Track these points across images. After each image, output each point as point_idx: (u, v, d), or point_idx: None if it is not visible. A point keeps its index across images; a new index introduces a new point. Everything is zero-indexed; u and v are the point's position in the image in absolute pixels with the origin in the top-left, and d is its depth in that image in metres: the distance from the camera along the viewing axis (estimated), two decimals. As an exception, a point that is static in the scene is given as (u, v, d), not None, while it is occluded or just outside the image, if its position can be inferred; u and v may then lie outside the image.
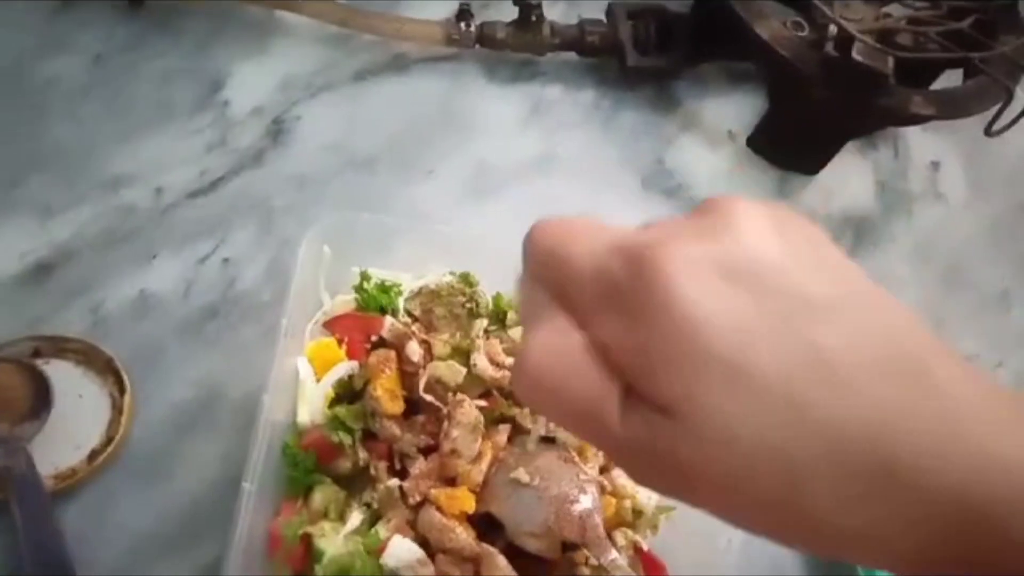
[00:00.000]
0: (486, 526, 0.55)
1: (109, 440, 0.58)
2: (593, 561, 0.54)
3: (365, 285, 0.60)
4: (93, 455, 0.57)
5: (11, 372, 0.58)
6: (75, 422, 0.59)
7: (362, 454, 0.55)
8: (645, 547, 0.55)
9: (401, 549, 0.49)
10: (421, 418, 0.57)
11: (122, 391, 0.60)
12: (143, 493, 0.58)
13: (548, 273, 0.25)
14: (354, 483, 0.54)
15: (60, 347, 0.61)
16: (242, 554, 0.45)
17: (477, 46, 0.82)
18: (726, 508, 0.22)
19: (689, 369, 0.20)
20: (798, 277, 0.21)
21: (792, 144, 0.86)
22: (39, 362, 0.59)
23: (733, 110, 0.90)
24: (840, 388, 0.20)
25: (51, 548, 0.52)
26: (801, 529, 0.21)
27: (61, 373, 0.60)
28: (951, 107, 0.77)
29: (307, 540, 0.50)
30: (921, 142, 0.96)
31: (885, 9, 0.79)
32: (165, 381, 0.63)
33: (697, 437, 0.20)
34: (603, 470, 0.58)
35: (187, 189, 0.72)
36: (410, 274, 0.63)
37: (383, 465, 0.55)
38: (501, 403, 0.58)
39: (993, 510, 0.19)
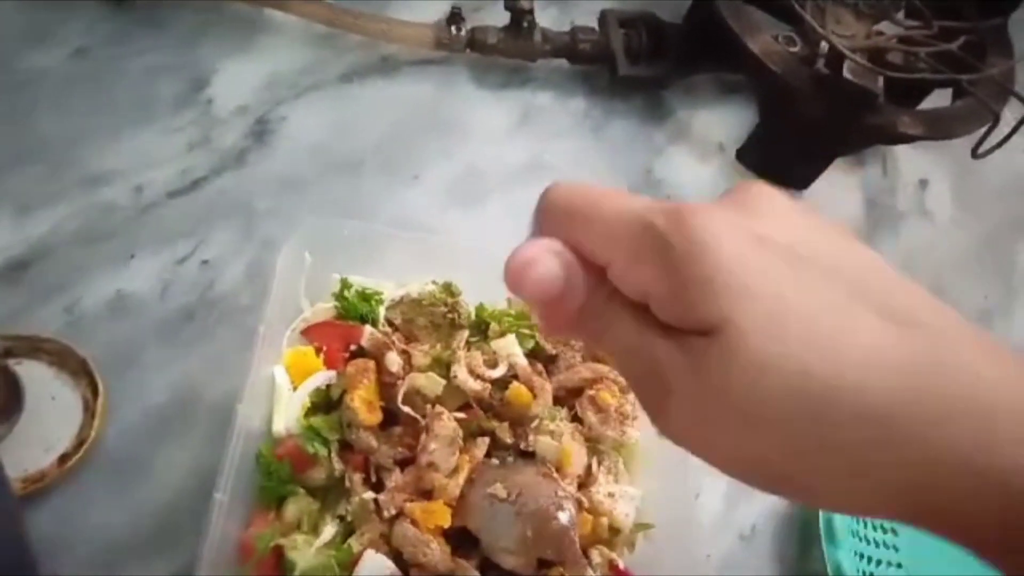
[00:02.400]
0: (462, 541, 0.54)
1: (80, 443, 0.57)
2: (567, 577, 0.53)
3: (346, 293, 0.59)
4: (64, 458, 0.56)
5: (-20, 372, 0.57)
6: (46, 424, 0.58)
7: (338, 465, 0.54)
8: (621, 565, 0.55)
9: (374, 564, 0.49)
10: (399, 430, 0.57)
11: (95, 393, 0.59)
12: (115, 498, 0.57)
13: (568, 230, 0.25)
14: (329, 494, 0.54)
15: (34, 347, 0.60)
16: (212, 565, 0.45)
17: (468, 51, 0.82)
18: (732, 445, 0.23)
19: (732, 296, 0.21)
20: (827, 251, 0.23)
21: (781, 158, 0.86)
22: (11, 362, 0.58)
23: (723, 122, 0.90)
24: (868, 357, 0.21)
25: (16, 553, 0.51)
26: (802, 474, 0.22)
27: (34, 374, 0.59)
28: (939, 128, 0.77)
29: (279, 552, 0.49)
30: (910, 160, 0.96)
31: (877, 27, 0.79)
32: (140, 384, 0.62)
33: (730, 357, 0.21)
34: (581, 486, 0.57)
35: (168, 188, 0.71)
36: (392, 282, 0.62)
37: (359, 477, 0.54)
38: (480, 416, 0.58)
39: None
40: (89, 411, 0.59)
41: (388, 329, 0.59)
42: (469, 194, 0.77)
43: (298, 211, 0.71)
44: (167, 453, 0.60)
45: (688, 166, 0.86)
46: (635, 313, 0.25)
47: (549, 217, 0.26)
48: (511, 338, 0.61)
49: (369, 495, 0.52)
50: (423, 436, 0.55)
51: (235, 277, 0.68)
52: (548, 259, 0.25)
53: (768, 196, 0.24)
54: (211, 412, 0.61)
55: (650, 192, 0.83)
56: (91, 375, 0.59)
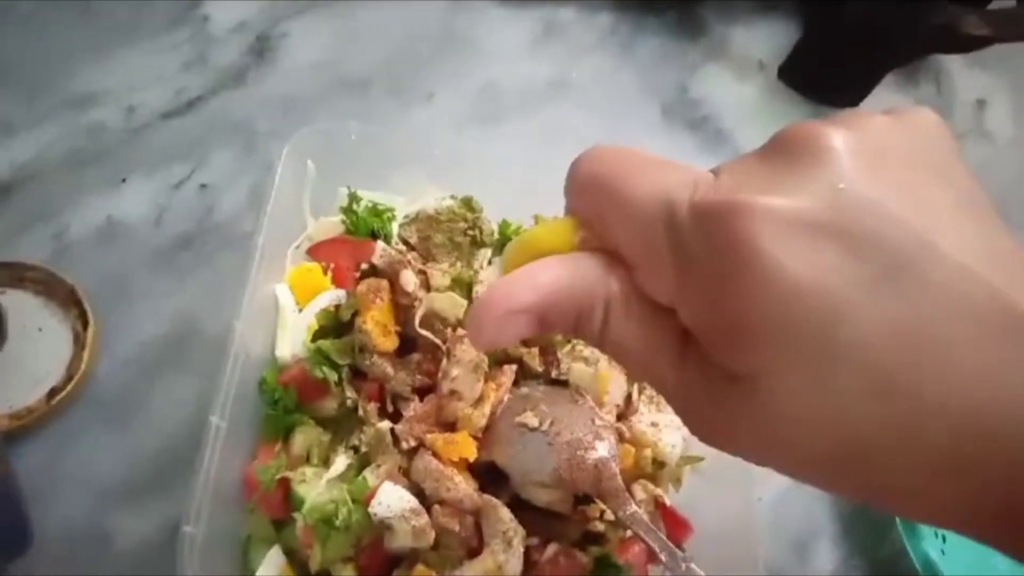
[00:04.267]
0: (489, 477, 0.49)
1: (70, 377, 0.52)
2: (609, 516, 0.48)
3: (354, 207, 0.53)
4: (52, 393, 0.52)
5: (-41, 300, 0.52)
6: (33, 357, 0.53)
7: (349, 393, 0.48)
8: (667, 502, 0.49)
9: (392, 497, 0.43)
10: (416, 356, 0.51)
11: (85, 325, 0.54)
12: (107, 436, 0.52)
13: (596, 209, 0.21)
14: (340, 425, 0.48)
15: (18, 276, 0.55)
16: (210, 498, 0.39)
17: (484, -40, 0.75)
18: (771, 462, 0.20)
19: (771, 343, 0.18)
20: (892, 232, 0.18)
21: (827, 75, 0.78)
22: (-8, 291, 0.53)
23: (764, 37, 0.82)
24: (932, 369, 0.17)
25: (2, 492, 0.46)
26: (854, 486, 0.19)
27: (19, 304, 0.54)
28: (1010, 28, 0.69)
29: (285, 486, 0.44)
30: (966, 78, 0.88)
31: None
32: (134, 315, 0.56)
33: (764, 412, 0.19)
34: (620, 416, 0.52)
35: (162, 109, 0.65)
36: (404, 198, 0.56)
37: (373, 406, 0.48)
38: (507, 341, 0.52)
39: None
40: (79, 343, 0.54)
41: (402, 247, 0.53)
42: (488, 113, 0.71)
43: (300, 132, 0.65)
44: (164, 389, 0.54)
45: (726, 84, 0.79)
46: (647, 328, 0.21)
47: (577, 190, 0.22)
48: (539, 256, 0.55)
49: (385, 425, 0.47)
50: (444, 362, 0.50)
51: (235, 202, 0.62)
52: (510, 326, 0.21)
53: (826, 154, 0.19)
54: (211, 345, 0.56)
55: (685, 112, 0.76)
56: (80, 305, 0.54)
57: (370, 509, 0.43)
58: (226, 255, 0.60)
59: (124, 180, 0.61)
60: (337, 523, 0.42)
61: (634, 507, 0.46)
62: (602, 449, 0.47)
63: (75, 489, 0.50)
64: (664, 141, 0.74)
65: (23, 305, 0.54)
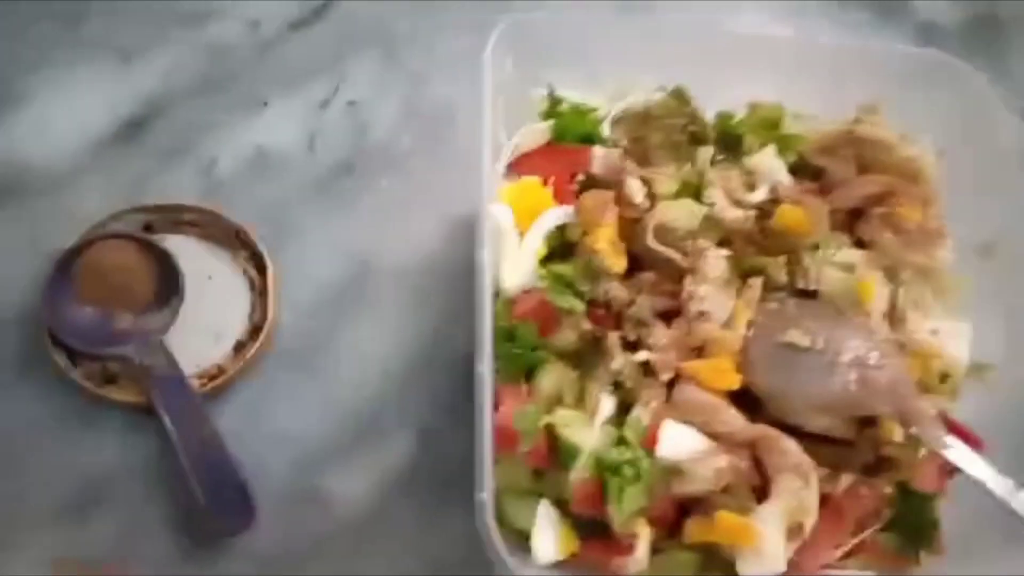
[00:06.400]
0: (740, 404, 0.43)
1: (256, 329, 0.46)
2: (898, 437, 0.42)
3: (557, 110, 0.46)
4: (239, 348, 0.46)
5: (125, 250, 0.45)
6: (209, 310, 0.47)
7: (585, 325, 0.42)
8: (957, 420, 0.43)
9: (679, 437, 0.38)
10: (649, 276, 0.44)
11: (261, 269, 0.47)
12: (303, 390, 0.47)
13: None
14: (583, 360, 0.42)
15: (175, 219, 0.48)
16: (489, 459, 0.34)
17: None
18: None
19: None
20: None
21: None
22: (154, 239, 0.47)
23: None
24: None
25: (214, 457, 0.41)
26: None
27: (181, 250, 0.47)
28: None
29: (550, 432, 0.38)
30: None
31: None
32: (304, 254, 0.50)
33: None
34: (891, 324, 0.45)
35: (288, 19, 0.57)
36: (603, 94, 0.48)
37: (615, 336, 0.42)
38: (747, 251, 0.45)
39: None
40: (257, 290, 0.47)
41: (621, 152, 0.46)
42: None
43: (445, 32, 0.57)
44: (354, 332, 0.49)
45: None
46: None
47: None
48: (770, 151, 0.47)
49: (643, 355, 0.41)
50: (687, 280, 0.43)
51: (390, 117, 0.55)
52: None
53: None
54: (393, 278, 0.50)
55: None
56: (252, 247, 0.48)
57: (658, 454, 0.37)
58: (390, 178, 0.53)
59: (265, 104, 0.54)
60: (628, 472, 0.36)
61: (944, 430, 0.40)
62: (897, 364, 0.41)
63: (278, 451, 0.45)
64: None
65: (186, 251, 0.48)
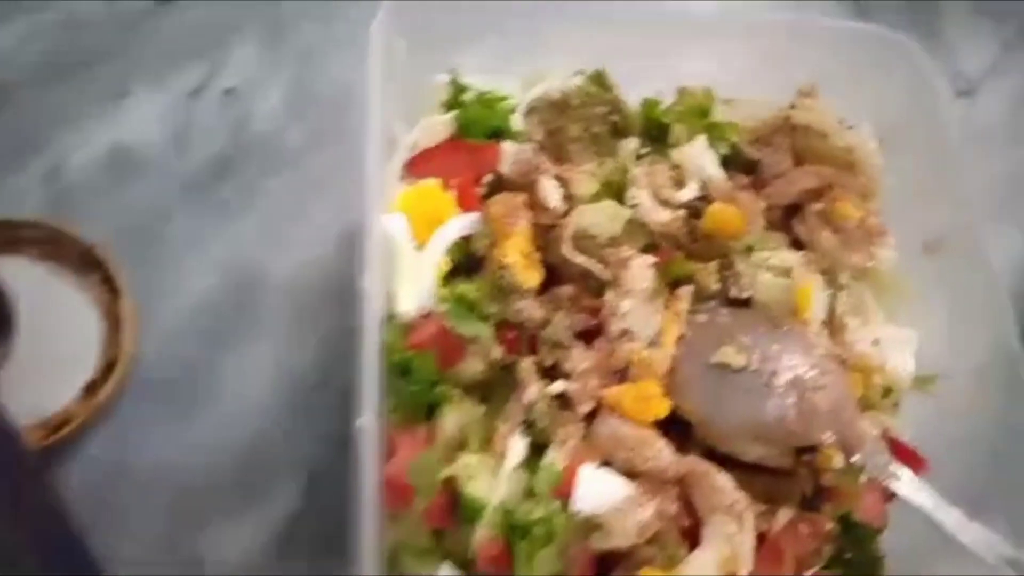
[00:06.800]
0: (667, 430, 0.38)
1: (109, 365, 0.39)
2: (838, 463, 0.38)
3: (461, 99, 0.39)
4: (91, 388, 0.39)
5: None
6: (51, 345, 0.40)
7: (494, 352, 0.37)
8: (900, 437, 0.39)
9: (598, 484, 0.33)
10: (567, 290, 0.39)
11: (115, 292, 0.40)
12: (172, 431, 0.41)
13: None
14: (492, 393, 0.37)
15: (10, 236, 0.41)
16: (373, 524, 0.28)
17: None
18: None
19: None
20: None
21: None
22: (-19, 261, 0.39)
23: None
24: None
25: (56, 532, 0.35)
26: None
27: (15, 274, 0.40)
28: None
29: (449, 486, 0.33)
30: None
31: None
32: (172, 272, 0.44)
33: None
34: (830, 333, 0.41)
35: (152, -8, 0.49)
36: (514, 80, 0.42)
37: (529, 363, 0.37)
38: (675, 257, 0.40)
39: None
40: (111, 318, 0.41)
41: (534, 147, 0.40)
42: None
43: (339, 5, 0.50)
44: (229, 364, 0.42)
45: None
46: None
47: None
48: (700, 143, 0.42)
49: (558, 385, 0.35)
50: (609, 294, 0.38)
51: (272, 106, 0.48)
52: None
53: None
54: (280, 290, 0.44)
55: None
56: (103, 267, 0.41)
57: (573, 506, 0.32)
58: (275, 177, 0.46)
59: (125, 93, 0.46)
60: (538, 533, 0.31)
61: (889, 456, 0.37)
62: (839, 384, 0.37)
63: (142, 506, 0.39)
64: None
65: (24, 276, 0.40)
